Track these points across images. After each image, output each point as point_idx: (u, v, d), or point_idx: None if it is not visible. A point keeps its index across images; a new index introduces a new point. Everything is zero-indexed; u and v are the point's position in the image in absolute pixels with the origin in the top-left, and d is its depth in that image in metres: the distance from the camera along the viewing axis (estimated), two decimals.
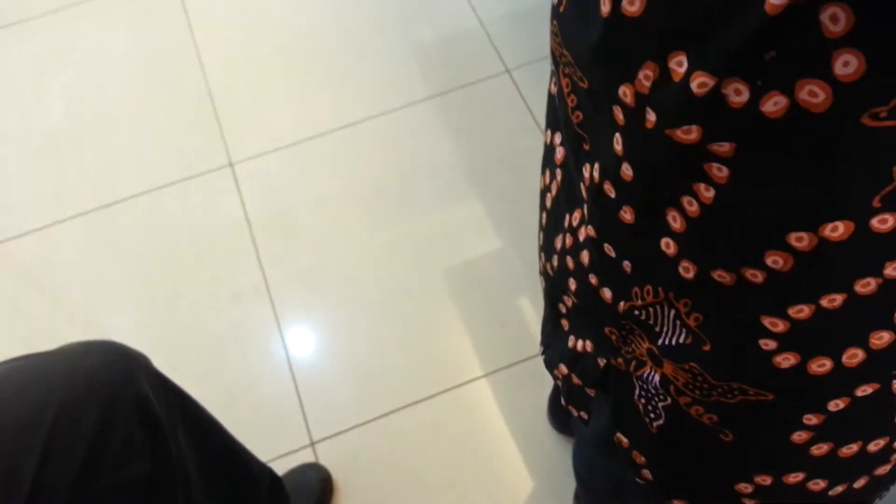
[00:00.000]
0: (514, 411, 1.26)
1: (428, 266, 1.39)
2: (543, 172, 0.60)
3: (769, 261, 0.39)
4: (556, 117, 0.54)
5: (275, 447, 1.24)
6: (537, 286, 1.37)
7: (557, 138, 0.55)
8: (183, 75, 1.65)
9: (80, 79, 1.67)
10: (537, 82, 1.57)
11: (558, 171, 0.56)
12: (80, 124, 1.60)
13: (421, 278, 1.38)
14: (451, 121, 1.54)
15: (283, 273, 1.40)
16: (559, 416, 1.22)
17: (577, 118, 0.47)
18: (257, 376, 1.31)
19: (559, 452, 1.23)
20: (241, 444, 1.01)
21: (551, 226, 0.59)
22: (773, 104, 0.34)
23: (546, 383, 1.25)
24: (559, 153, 0.55)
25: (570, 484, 1.08)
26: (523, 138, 1.51)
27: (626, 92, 0.39)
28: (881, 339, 0.42)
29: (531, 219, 1.47)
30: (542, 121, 1.52)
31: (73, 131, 1.60)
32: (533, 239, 1.41)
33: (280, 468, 1.18)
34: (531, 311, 1.34)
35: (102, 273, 1.43)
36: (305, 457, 1.24)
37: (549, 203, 0.59)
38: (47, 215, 1.49)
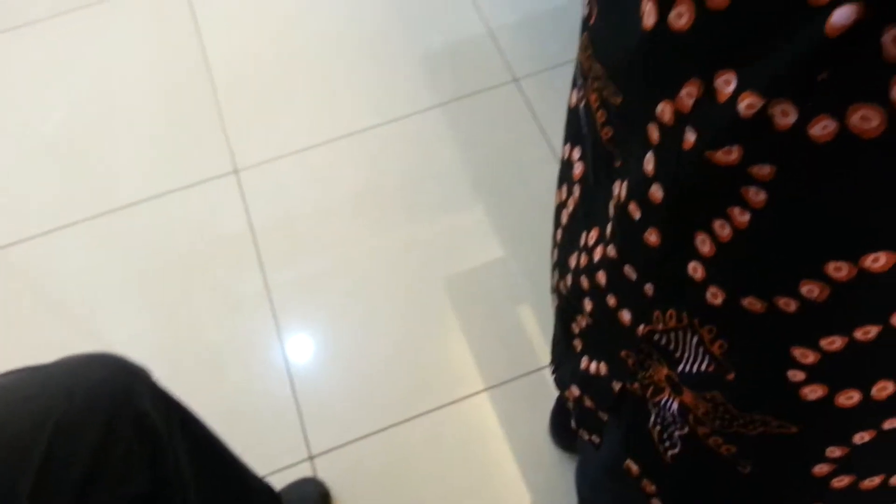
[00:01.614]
0: (516, 427, 1.24)
1: (431, 277, 1.38)
2: (560, 187, 0.59)
3: (804, 290, 0.38)
4: (576, 132, 0.53)
5: (273, 460, 1.22)
6: (540, 298, 1.36)
7: (576, 153, 0.54)
8: (189, 82, 1.64)
9: (83, 84, 1.65)
10: (545, 92, 1.56)
11: (576, 188, 0.54)
12: (82, 130, 1.59)
13: (424, 289, 1.37)
14: (457, 129, 1.53)
15: (285, 283, 1.38)
16: (562, 433, 1.20)
17: (606, 134, 0.45)
18: (257, 387, 1.30)
19: (560, 471, 1.21)
20: (241, 461, 0.99)
21: (566, 243, 0.57)
22: (822, 128, 0.32)
23: (548, 399, 1.23)
24: (577, 168, 0.54)
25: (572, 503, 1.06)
26: (529, 148, 1.50)
27: (665, 110, 0.38)
28: None
29: (536, 229, 1.46)
30: (549, 130, 1.51)
31: (76, 137, 1.58)
32: (537, 250, 1.40)
33: (278, 482, 1.16)
34: (533, 324, 1.32)
35: (103, 280, 1.41)
36: (304, 471, 1.22)
37: (564, 219, 0.58)
38: (48, 221, 1.47)
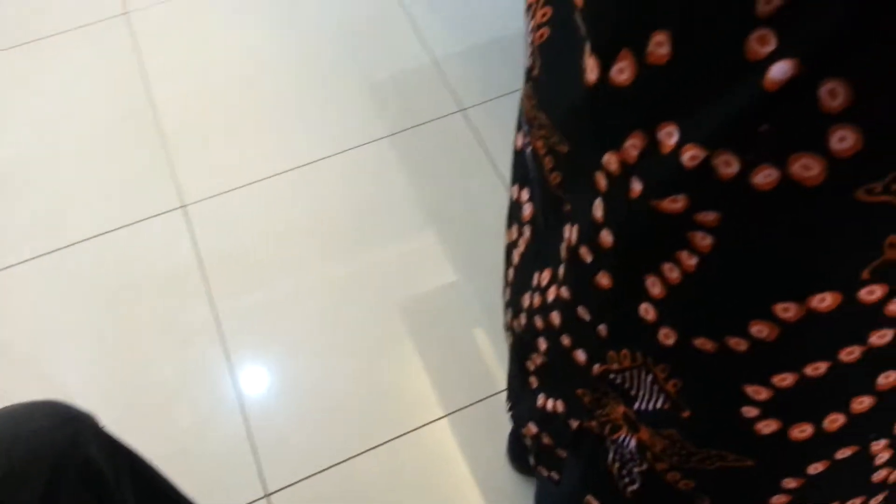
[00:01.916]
0: (475, 453, 1.24)
1: (384, 305, 1.37)
2: (510, 227, 0.59)
3: (754, 330, 0.38)
4: (524, 174, 0.53)
5: (229, 500, 1.19)
6: (495, 321, 1.36)
7: (525, 195, 0.54)
8: (134, 117, 1.61)
9: (27, 121, 1.61)
10: (491, 121, 1.57)
11: (526, 228, 0.55)
12: (26, 166, 1.55)
13: (377, 317, 1.36)
14: (407, 160, 1.53)
15: (236, 316, 1.36)
16: (521, 457, 1.20)
17: (554, 179, 0.46)
18: (210, 424, 1.27)
19: (521, 495, 1.21)
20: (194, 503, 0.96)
21: (519, 282, 0.58)
22: (765, 176, 0.33)
23: (506, 424, 1.23)
24: (527, 210, 0.54)
25: None
26: (478, 176, 1.50)
27: (610, 160, 0.38)
28: (862, 403, 0.42)
29: (488, 254, 1.47)
30: (497, 158, 1.52)
31: (20, 173, 1.54)
32: (490, 274, 1.40)
33: None
34: (489, 348, 1.33)
35: (50, 320, 1.37)
36: None
37: (516, 259, 0.58)
38: None
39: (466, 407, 1.27)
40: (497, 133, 1.55)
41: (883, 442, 0.44)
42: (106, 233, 1.46)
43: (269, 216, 1.47)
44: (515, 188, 0.56)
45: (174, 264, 1.42)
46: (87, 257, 1.43)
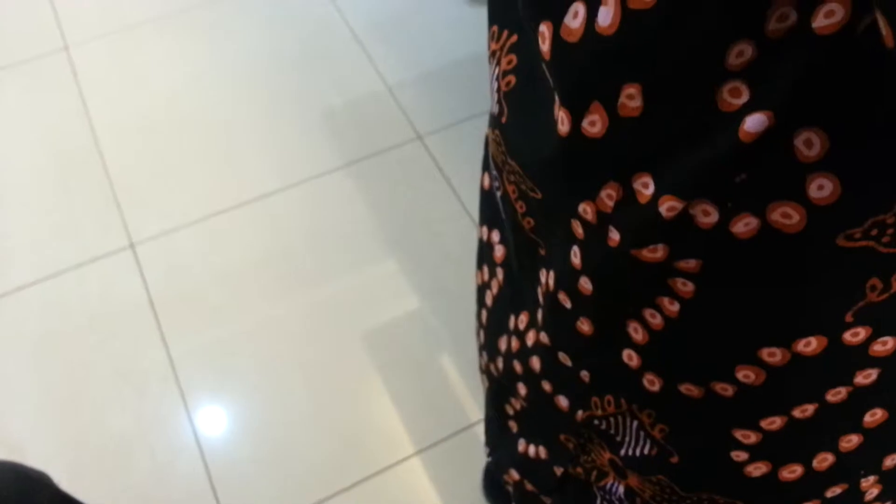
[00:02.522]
0: (450, 491, 1.21)
1: (346, 339, 1.34)
2: (480, 268, 0.58)
3: (740, 375, 0.38)
4: (493, 215, 0.52)
5: None
6: (462, 350, 1.34)
7: (496, 236, 0.53)
8: (77, 153, 1.56)
9: None
10: (450, 147, 1.56)
11: (499, 270, 0.54)
12: None
13: (339, 352, 1.33)
14: (364, 189, 1.51)
15: (191, 357, 1.32)
16: (496, 491, 1.18)
17: (528, 224, 0.45)
18: (168, 471, 1.22)
19: None
20: None
21: (493, 325, 0.56)
22: (744, 225, 0.33)
23: (481, 457, 1.21)
24: (498, 252, 0.53)
25: None
26: (439, 204, 1.49)
27: (586, 209, 0.37)
28: (850, 442, 0.41)
29: (451, 283, 1.45)
30: (457, 185, 1.51)
31: None
32: (455, 303, 1.38)
33: None
34: (458, 379, 1.31)
35: None
36: None
37: (489, 301, 0.57)
38: None
39: (438, 443, 1.25)
40: (456, 159, 1.55)
41: (872, 478, 0.44)
42: (51, 276, 1.40)
43: (221, 252, 1.43)
44: (485, 229, 0.55)
45: (124, 306, 1.37)
46: (32, 303, 1.37)
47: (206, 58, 1.71)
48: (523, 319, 0.50)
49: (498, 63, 0.42)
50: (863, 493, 0.45)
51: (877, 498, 0.45)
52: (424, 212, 1.49)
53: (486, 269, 0.56)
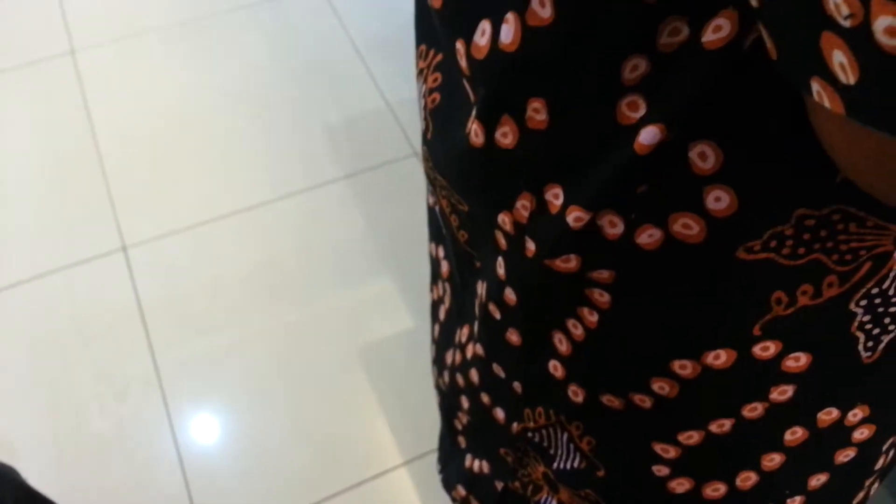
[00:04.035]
0: (435, 503, 1.20)
1: (336, 350, 1.34)
2: (434, 284, 0.59)
3: (655, 387, 0.38)
4: (438, 231, 0.53)
5: None
6: None
7: (441, 251, 0.54)
8: (76, 155, 1.58)
9: None
10: None
11: (446, 285, 0.54)
12: None
13: (328, 364, 1.33)
14: (359, 202, 1.52)
15: (176, 364, 1.33)
16: None
17: (462, 237, 0.46)
18: (145, 478, 1.22)
19: None
20: None
21: (443, 339, 0.57)
22: (648, 236, 0.33)
23: None
24: (444, 267, 0.54)
25: None
26: None
27: (505, 220, 0.38)
28: (773, 460, 0.41)
29: None
30: None
31: None
32: None
33: None
34: None
35: None
36: None
37: (442, 315, 0.57)
38: None
39: (426, 454, 1.24)
40: None
41: (798, 499, 0.44)
42: (42, 275, 1.42)
43: (213, 260, 1.45)
44: (432, 245, 0.56)
45: (113, 309, 1.38)
46: (18, 302, 1.39)
47: (210, 67, 1.74)
48: (465, 332, 0.51)
49: (424, 81, 0.43)
50: None
51: None
52: (417, 226, 1.49)
53: (439, 284, 0.57)
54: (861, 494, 0.48)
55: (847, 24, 0.20)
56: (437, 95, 0.42)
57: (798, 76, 0.23)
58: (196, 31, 1.79)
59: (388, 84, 1.70)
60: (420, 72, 0.43)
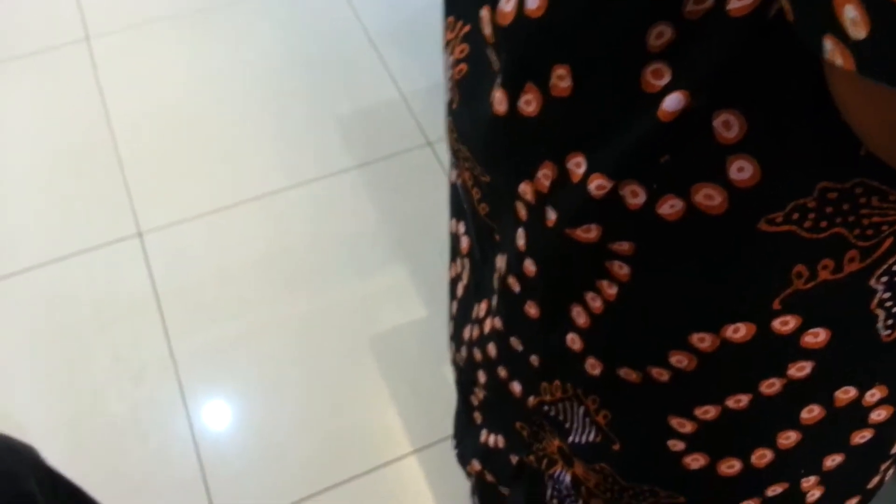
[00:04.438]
0: (446, 490, 1.21)
1: (347, 340, 1.35)
2: (453, 260, 0.59)
3: (673, 360, 0.39)
4: (459, 206, 0.53)
5: None
6: None
7: (461, 227, 0.54)
8: (92, 143, 1.59)
9: None
10: None
11: (466, 261, 0.55)
12: None
13: (341, 353, 1.34)
14: (372, 192, 1.53)
15: (191, 350, 1.34)
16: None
17: (483, 210, 0.46)
18: (161, 462, 1.23)
19: None
20: None
21: (461, 316, 0.57)
22: (670, 206, 0.33)
23: None
24: (464, 242, 0.54)
25: None
26: (446, 210, 1.50)
27: (526, 190, 0.39)
28: (789, 438, 0.42)
29: None
30: None
31: None
32: None
33: None
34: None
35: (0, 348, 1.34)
36: None
37: (460, 292, 0.58)
38: None
39: (436, 443, 1.25)
40: None
41: (813, 479, 0.44)
42: (59, 259, 1.43)
43: (228, 247, 1.45)
44: (453, 222, 0.56)
45: (129, 295, 1.39)
46: (38, 285, 1.40)
47: (224, 55, 1.74)
48: (483, 307, 0.51)
49: (451, 52, 0.43)
50: (804, 494, 0.45)
51: (819, 500, 0.45)
52: (431, 217, 1.50)
53: (458, 261, 0.57)
54: (876, 479, 0.48)
55: None
56: (463, 66, 0.42)
57: (812, 35, 0.23)
58: (210, 19, 1.80)
59: (402, 73, 1.70)
60: (447, 43, 0.43)
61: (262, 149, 1.59)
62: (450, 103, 0.45)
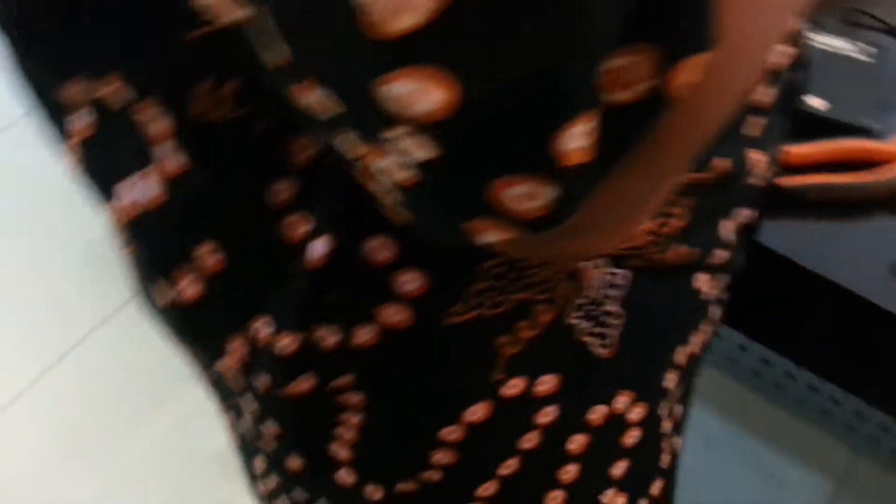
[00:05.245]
0: None
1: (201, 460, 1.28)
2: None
3: (435, 459, 0.40)
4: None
5: None
6: None
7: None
8: None
9: None
10: None
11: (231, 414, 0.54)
12: None
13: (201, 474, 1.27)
14: None
15: None
16: None
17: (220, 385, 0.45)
18: None
19: None
20: None
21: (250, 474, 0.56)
22: (365, 335, 0.34)
23: None
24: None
25: None
26: None
27: (229, 365, 0.38)
28: (568, 473, 0.43)
29: None
30: None
31: None
32: None
33: None
34: None
35: None
36: None
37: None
38: None
39: None
40: None
41: (610, 492, 0.46)
42: None
43: (44, 422, 1.34)
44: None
45: None
46: None
47: None
48: (259, 464, 0.50)
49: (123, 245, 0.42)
50: None
51: None
52: None
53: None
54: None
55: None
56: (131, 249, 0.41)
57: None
58: None
59: None
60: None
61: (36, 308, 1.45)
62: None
